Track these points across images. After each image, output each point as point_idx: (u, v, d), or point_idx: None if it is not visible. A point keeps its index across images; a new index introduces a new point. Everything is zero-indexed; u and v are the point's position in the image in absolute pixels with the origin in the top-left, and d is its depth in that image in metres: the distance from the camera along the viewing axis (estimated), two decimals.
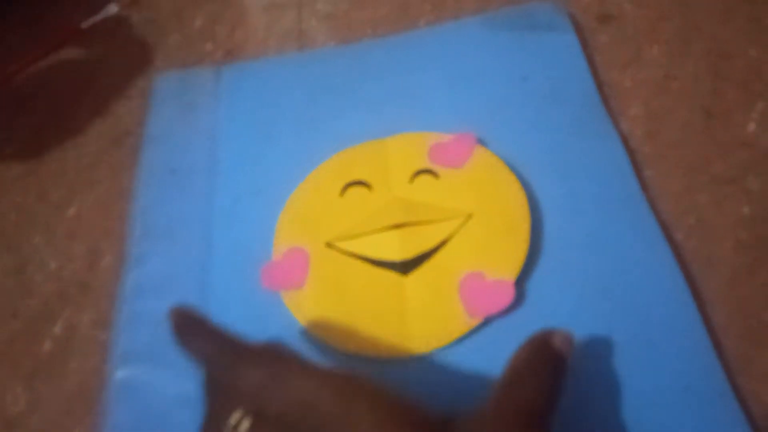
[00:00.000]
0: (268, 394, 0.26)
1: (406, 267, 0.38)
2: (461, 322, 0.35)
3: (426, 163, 0.41)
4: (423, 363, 0.35)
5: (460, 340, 0.35)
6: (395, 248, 0.38)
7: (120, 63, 0.56)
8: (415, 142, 0.42)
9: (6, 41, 0.58)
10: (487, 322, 0.36)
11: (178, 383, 0.37)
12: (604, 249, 0.38)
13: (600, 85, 0.46)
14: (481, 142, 0.42)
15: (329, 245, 0.39)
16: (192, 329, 0.31)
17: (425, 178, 0.41)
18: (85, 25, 0.58)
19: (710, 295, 0.37)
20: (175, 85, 0.51)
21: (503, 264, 0.36)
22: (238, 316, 0.36)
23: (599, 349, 0.35)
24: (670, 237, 0.39)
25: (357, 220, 0.40)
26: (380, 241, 0.38)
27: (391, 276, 0.38)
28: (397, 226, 0.38)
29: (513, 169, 0.41)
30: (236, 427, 0.26)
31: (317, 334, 0.36)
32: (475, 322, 0.35)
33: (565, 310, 0.36)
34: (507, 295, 0.35)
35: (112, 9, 0.59)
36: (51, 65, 0.56)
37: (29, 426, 0.38)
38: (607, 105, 0.45)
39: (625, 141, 0.43)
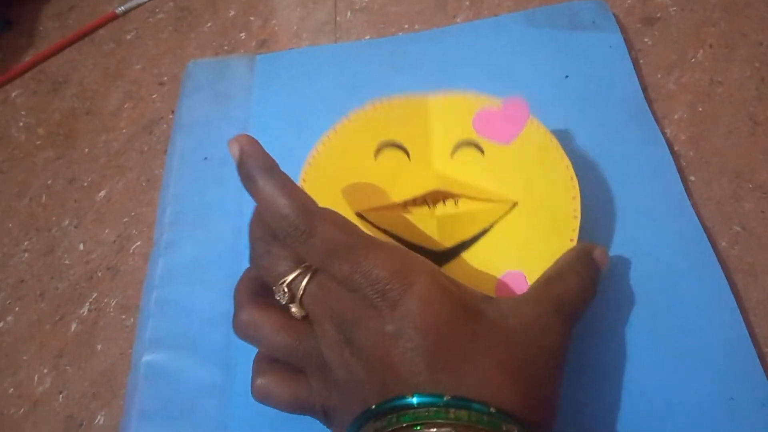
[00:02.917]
0: (336, 258, 0.28)
1: (442, 256, 0.35)
2: None
3: (471, 133, 0.37)
4: None
5: None
6: (433, 234, 0.35)
7: (153, 50, 0.55)
8: (460, 105, 0.38)
9: (42, 26, 0.58)
10: None
11: (205, 371, 0.36)
12: (647, 254, 0.37)
13: (643, 88, 0.45)
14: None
15: (360, 216, 0.35)
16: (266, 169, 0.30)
17: (469, 153, 0.37)
18: (120, 11, 0.58)
19: (753, 305, 0.36)
20: (208, 73, 0.50)
21: (544, 267, 0.33)
22: None
23: (642, 357, 0.34)
24: (714, 244, 0.38)
25: (391, 192, 0.36)
26: (417, 222, 0.35)
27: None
28: (435, 206, 0.36)
29: None
30: (293, 281, 0.29)
31: None
32: None
33: (601, 313, 0.35)
34: None
35: None
36: (84, 50, 0.56)
37: (54, 406, 0.38)
38: (651, 108, 0.44)
39: (669, 145, 0.42)
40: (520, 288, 0.34)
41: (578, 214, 0.34)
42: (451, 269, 0.35)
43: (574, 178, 0.34)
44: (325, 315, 0.29)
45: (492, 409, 0.25)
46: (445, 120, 0.38)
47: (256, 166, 0.29)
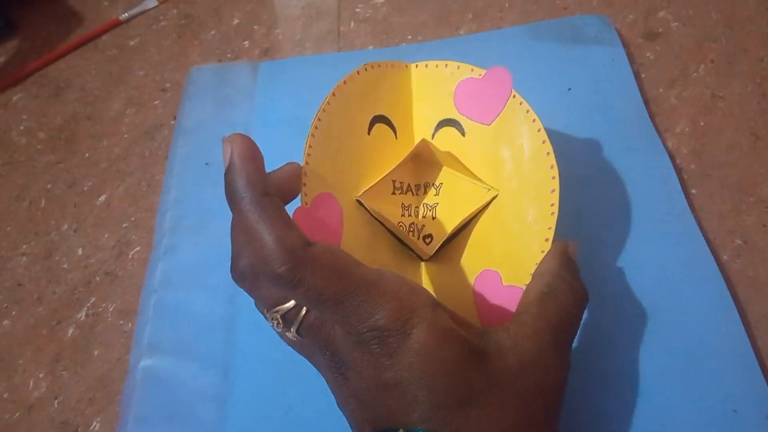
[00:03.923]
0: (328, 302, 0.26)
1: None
2: None
3: (452, 110, 0.35)
4: None
5: None
6: (423, 244, 0.35)
7: (156, 56, 0.55)
8: (442, 76, 0.36)
9: (45, 31, 0.58)
10: None
11: (203, 376, 0.36)
12: (649, 265, 0.37)
13: (645, 101, 0.45)
14: None
15: (360, 204, 0.34)
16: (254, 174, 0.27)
17: (450, 134, 0.35)
18: (124, 17, 0.58)
19: (756, 318, 0.36)
20: (211, 79, 0.50)
21: (521, 268, 0.31)
22: None
23: (646, 369, 0.34)
24: (716, 257, 0.38)
25: (383, 169, 0.35)
26: (407, 214, 0.35)
27: (413, 259, 0.35)
28: (420, 195, 0.36)
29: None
30: (289, 313, 0.28)
31: None
32: None
33: (606, 326, 0.35)
34: None
35: (151, 2, 0.59)
36: (87, 56, 0.56)
37: (49, 412, 0.38)
38: (652, 121, 0.44)
39: (671, 158, 0.42)
40: (496, 289, 0.32)
41: (556, 210, 0.31)
42: (433, 265, 0.35)
43: (555, 167, 0.31)
44: (321, 348, 0.28)
45: None
46: (428, 91, 0.36)
47: (244, 186, 0.26)
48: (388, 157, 0.35)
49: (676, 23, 0.51)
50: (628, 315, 0.36)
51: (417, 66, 0.37)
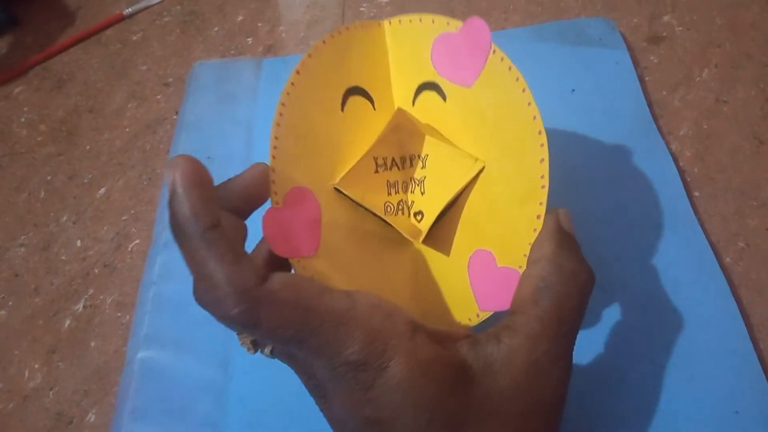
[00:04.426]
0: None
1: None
2: (472, 312, 0.30)
3: (430, 71, 0.31)
4: None
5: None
6: (414, 224, 0.33)
7: (159, 51, 0.55)
8: (417, 32, 0.32)
9: (48, 25, 0.58)
10: None
11: (200, 369, 0.36)
12: (653, 267, 0.37)
13: (649, 104, 0.45)
14: None
15: (338, 191, 0.31)
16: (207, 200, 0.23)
17: (430, 98, 0.32)
18: (127, 12, 0.58)
19: (758, 320, 0.36)
20: (214, 74, 0.50)
21: (514, 248, 0.28)
22: None
23: (648, 370, 0.33)
24: (719, 260, 0.38)
25: (363, 147, 0.32)
26: (393, 200, 0.33)
27: (405, 242, 0.32)
28: (406, 169, 0.33)
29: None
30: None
31: None
32: (485, 315, 0.29)
33: (608, 326, 0.35)
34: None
35: None
36: (90, 50, 0.56)
37: (44, 402, 0.37)
38: (656, 123, 0.44)
39: (674, 161, 0.42)
40: (491, 271, 0.29)
41: (546, 182, 0.27)
42: (427, 249, 0.32)
43: (543, 132, 0.28)
44: (299, 371, 0.27)
45: None
46: (404, 54, 0.32)
47: (188, 219, 0.23)
48: (367, 132, 0.32)
49: (680, 28, 0.51)
50: (630, 316, 0.35)
51: (390, 23, 0.32)
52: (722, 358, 0.33)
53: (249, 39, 0.55)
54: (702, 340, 0.34)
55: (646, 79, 0.48)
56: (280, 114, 0.29)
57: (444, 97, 0.31)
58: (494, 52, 0.29)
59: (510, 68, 0.28)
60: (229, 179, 0.27)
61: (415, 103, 0.32)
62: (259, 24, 0.56)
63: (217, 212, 0.23)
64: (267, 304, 0.23)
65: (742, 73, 0.48)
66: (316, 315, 0.23)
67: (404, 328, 0.24)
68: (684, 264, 0.37)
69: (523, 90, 0.28)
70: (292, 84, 0.29)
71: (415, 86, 0.32)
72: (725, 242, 0.39)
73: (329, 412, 0.26)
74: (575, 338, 0.26)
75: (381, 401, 0.23)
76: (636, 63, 0.48)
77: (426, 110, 0.32)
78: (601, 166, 0.41)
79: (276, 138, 0.28)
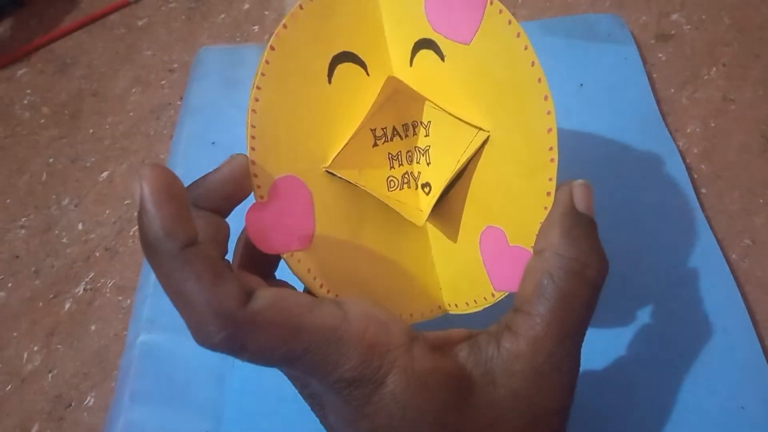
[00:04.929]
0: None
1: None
2: (487, 291, 0.28)
3: (426, 27, 0.28)
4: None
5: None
6: (421, 197, 0.31)
7: (164, 37, 0.55)
8: None
9: (53, 9, 0.57)
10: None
11: (202, 353, 0.34)
12: (659, 263, 0.37)
13: (656, 101, 0.45)
14: None
15: (331, 174, 0.28)
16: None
17: (428, 58, 0.29)
18: None
19: (763, 317, 0.36)
20: (219, 59, 0.50)
21: (525, 226, 0.27)
22: None
23: (654, 365, 0.33)
24: (725, 257, 0.38)
25: (356, 120, 0.29)
26: (396, 174, 0.30)
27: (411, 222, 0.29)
28: (409, 138, 0.31)
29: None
30: None
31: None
32: (501, 295, 0.28)
33: (613, 322, 0.35)
34: None
35: None
36: (94, 33, 0.56)
37: (42, 385, 0.37)
38: (664, 120, 0.44)
39: (681, 157, 0.42)
40: (503, 250, 0.28)
41: (555, 155, 0.25)
42: (435, 228, 0.31)
43: (549, 98, 0.25)
44: (292, 380, 0.26)
45: None
46: (396, 7, 0.29)
47: (161, 237, 0.20)
48: (362, 103, 0.29)
49: (688, 26, 0.51)
50: (636, 312, 0.35)
51: None
52: (728, 353, 0.33)
53: (255, 27, 0.55)
54: (707, 336, 0.34)
55: (654, 76, 0.48)
56: (256, 99, 0.26)
57: (442, 57, 0.28)
58: (491, 2, 0.26)
59: (510, 22, 0.25)
60: (206, 175, 0.25)
61: (413, 64, 0.29)
62: (266, 12, 0.56)
63: (192, 228, 0.21)
64: (252, 327, 0.21)
65: (749, 73, 0.48)
66: (306, 334, 0.22)
67: (401, 340, 0.23)
68: (690, 260, 0.37)
69: (525, 48, 0.25)
70: (267, 63, 0.26)
71: (411, 44, 0.29)
72: (731, 239, 0.39)
73: (325, 421, 0.26)
74: (582, 339, 0.24)
75: (378, 416, 0.22)
76: (644, 60, 0.48)
77: (424, 72, 0.29)
78: (609, 162, 0.41)
79: (253, 127, 0.26)
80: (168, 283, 0.21)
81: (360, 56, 0.29)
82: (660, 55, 0.49)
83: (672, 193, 0.40)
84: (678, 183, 0.40)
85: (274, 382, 0.34)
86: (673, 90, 0.47)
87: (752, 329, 0.34)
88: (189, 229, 0.21)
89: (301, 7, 0.27)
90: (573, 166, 0.41)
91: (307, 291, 0.27)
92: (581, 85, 0.45)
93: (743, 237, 0.39)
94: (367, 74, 0.29)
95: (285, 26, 0.26)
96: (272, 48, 0.26)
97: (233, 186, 0.25)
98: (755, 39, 0.50)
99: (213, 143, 0.44)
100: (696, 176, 0.42)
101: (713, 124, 0.45)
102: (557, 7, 0.53)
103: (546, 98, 0.25)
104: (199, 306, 0.20)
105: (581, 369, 0.25)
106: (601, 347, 0.34)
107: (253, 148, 0.26)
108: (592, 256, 0.25)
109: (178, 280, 0.20)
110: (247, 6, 0.57)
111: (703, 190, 0.41)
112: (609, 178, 0.40)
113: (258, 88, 0.26)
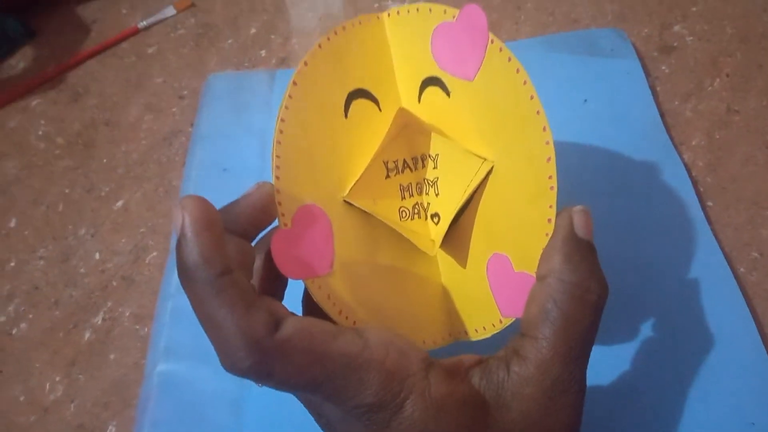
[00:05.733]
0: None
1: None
2: (495, 318, 0.29)
3: (432, 66, 0.30)
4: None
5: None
6: (431, 227, 0.32)
7: (174, 64, 0.56)
8: (417, 23, 0.31)
9: (64, 38, 0.59)
10: None
11: (219, 381, 0.36)
12: (666, 276, 0.37)
13: (660, 114, 0.45)
14: None
15: (348, 203, 0.30)
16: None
17: (434, 94, 0.31)
18: (142, 25, 0.58)
19: None
20: (228, 86, 0.51)
21: (529, 252, 0.27)
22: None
23: (662, 380, 0.34)
24: (732, 270, 0.38)
25: (370, 153, 0.31)
26: (407, 205, 0.32)
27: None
28: (418, 170, 0.32)
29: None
30: None
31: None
32: (508, 321, 0.29)
33: (621, 336, 0.35)
34: None
35: (170, 11, 0.59)
36: (105, 63, 0.57)
37: (64, 415, 0.38)
38: (668, 134, 0.44)
39: (686, 171, 0.42)
40: (509, 276, 0.29)
41: (554, 183, 0.26)
42: (445, 256, 0.32)
43: (548, 129, 0.26)
44: (307, 407, 0.27)
45: None
46: (406, 47, 0.31)
47: (198, 265, 0.22)
48: (375, 136, 0.31)
49: (691, 38, 0.51)
50: (643, 326, 0.36)
51: (389, 14, 0.31)
52: (736, 368, 0.34)
53: (262, 51, 0.56)
54: (716, 351, 0.34)
55: (658, 89, 0.48)
56: (280, 131, 0.28)
57: (448, 93, 0.30)
58: (492, 42, 0.28)
59: (510, 59, 0.27)
60: (235, 201, 0.26)
61: (421, 100, 0.31)
62: (272, 36, 0.57)
63: (227, 256, 0.23)
64: (280, 355, 0.22)
65: (753, 83, 0.48)
66: (330, 361, 0.23)
67: (418, 366, 0.24)
68: (697, 274, 0.37)
69: (525, 82, 0.27)
70: (290, 97, 0.28)
71: (419, 82, 0.31)
72: (738, 252, 0.39)
73: None
74: (587, 360, 0.26)
75: None
76: (647, 73, 0.48)
77: (432, 107, 0.31)
78: (614, 177, 0.41)
79: (278, 157, 0.27)
80: (201, 309, 0.22)
81: (373, 93, 0.31)
82: (663, 68, 0.49)
83: (678, 206, 0.40)
84: (684, 196, 0.40)
85: (290, 410, 0.35)
86: (677, 102, 0.47)
87: (761, 344, 0.34)
88: (225, 258, 0.22)
89: (320, 46, 0.29)
90: (577, 182, 0.42)
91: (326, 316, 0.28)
92: (585, 100, 0.45)
93: (750, 250, 0.40)
94: (380, 110, 0.31)
95: (306, 63, 0.28)
96: (295, 83, 0.28)
97: (261, 212, 0.26)
98: (758, 49, 0.50)
99: (224, 169, 0.45)
100: (702, 189, 0.42)
101: (718, 136, 0.45)
102: (560, 22, 0.54)
103: (545, 129, 0.27)
104: (230, 333, 0.22)
105: (589, 385, 0.26)
106: (609, 362, 0.34)
107: (278, 177, 0.27)
108: (593, 281, 0.26)
109: (212, 307, 0.22)
110: (253, 30, 0.58)
111: (709, 203, 0.42)
112: (615, 192, 0.41)
113: (282, 120, 0.28)
